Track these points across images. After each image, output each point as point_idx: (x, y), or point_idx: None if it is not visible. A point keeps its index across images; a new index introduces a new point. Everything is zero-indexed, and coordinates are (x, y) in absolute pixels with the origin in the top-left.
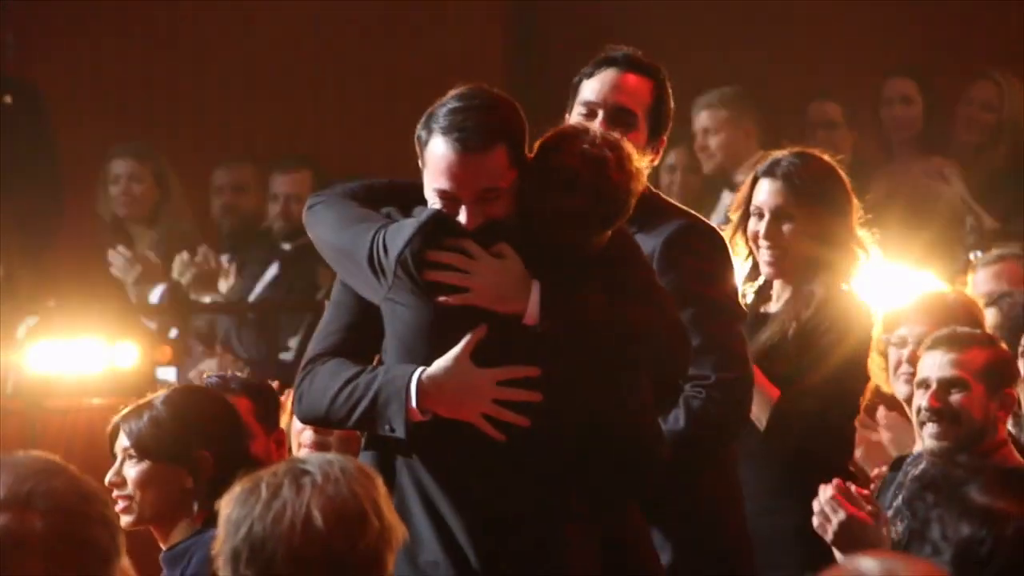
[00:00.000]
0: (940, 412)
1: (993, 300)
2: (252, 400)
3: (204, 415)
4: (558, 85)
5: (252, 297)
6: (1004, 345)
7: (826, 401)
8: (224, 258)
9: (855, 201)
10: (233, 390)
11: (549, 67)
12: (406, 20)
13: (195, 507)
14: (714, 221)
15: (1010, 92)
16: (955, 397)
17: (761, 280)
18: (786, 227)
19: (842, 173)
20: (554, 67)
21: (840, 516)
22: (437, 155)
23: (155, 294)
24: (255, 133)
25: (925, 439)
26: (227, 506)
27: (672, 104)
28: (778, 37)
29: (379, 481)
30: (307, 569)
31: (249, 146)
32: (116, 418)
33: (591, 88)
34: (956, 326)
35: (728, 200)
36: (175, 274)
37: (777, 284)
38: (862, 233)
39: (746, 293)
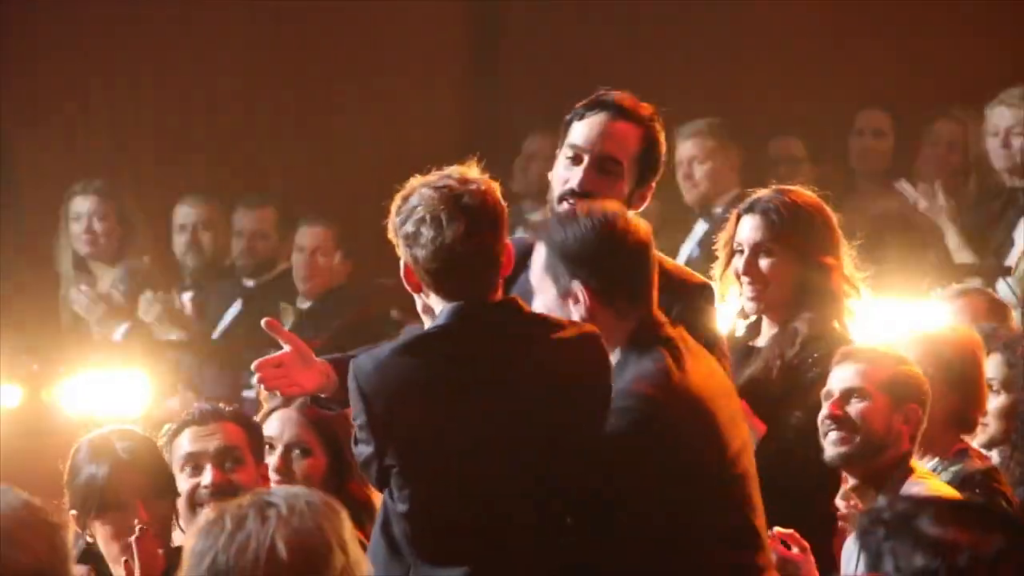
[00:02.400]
0: (840, 420)
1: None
2: (244, 429)
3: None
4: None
5: (216, 335)
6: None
7: (811, 439)
8: (187, 296)
9: (840, 237)
10: (225, 416)
11: (510, 101)
12: (372, 59)
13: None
14: (685, 251)
15: (974, 128)
16: (855, 406)
17: (752, 317)
18: (765, 262)
19: (827, 209)
20: (514, 98)
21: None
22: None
23: (119, 332)
24: (218, 170)
25: (826, 448)
26: (192, 537)
27: (663, 150)
28: (738, 71)
29: (344, 515)
30: None
31: (212, 183)
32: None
33: (579, 132)
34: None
35: (701, 230)
36: (140, 312)
37: (765, 320)
38: (851, 270)
39: (737, 327)
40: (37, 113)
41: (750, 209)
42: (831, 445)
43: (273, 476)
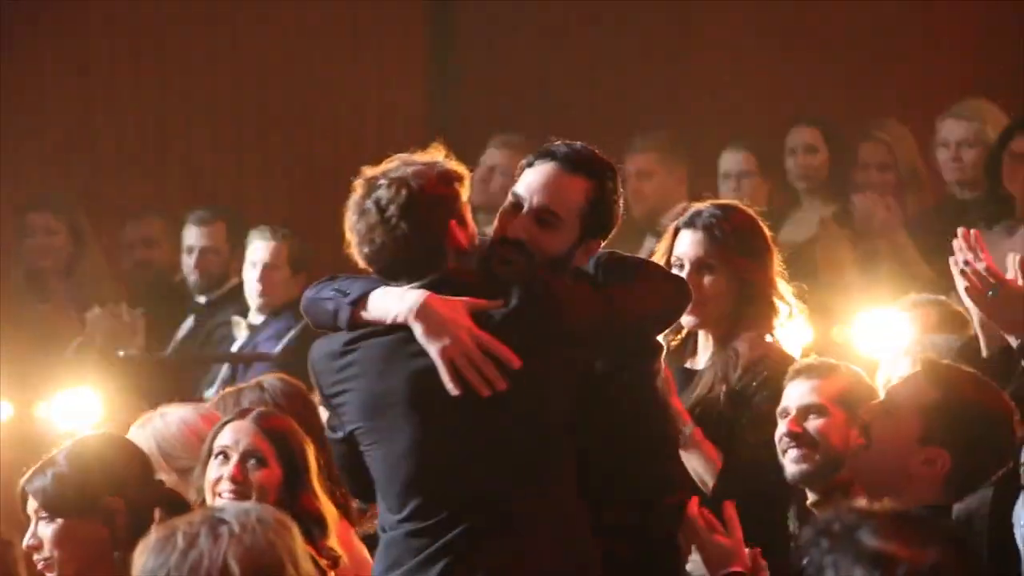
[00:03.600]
0: (799, 437)
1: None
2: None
3: (107, 461)
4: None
5: (168, 351)
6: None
7: (767, 462)
8: (137, 311)
9: (775, 252)
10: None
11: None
12: (325, 68)
13: (115, 556)
14: None
15: (901, 145)
16: (813, 423)
17: (683, 333)
18: (706, 279)
19: (762, 224)
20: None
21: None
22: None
23: (70, 348)
24: (168, 183)
25: (787, 466)
26: (141, 555)
27: (619, 205)
28: (691, 84)
29: (295, 531)
30: None
31: (162, 198)
32: (22, 481)
33: (524, 180)
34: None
35: (651, 245)
36: (88, 328)
37: (701, 336)
38: (782, 284)
39: (668, 344)
40: None
41: (690, 224)
42: (792, 463)
43: (228, 486)
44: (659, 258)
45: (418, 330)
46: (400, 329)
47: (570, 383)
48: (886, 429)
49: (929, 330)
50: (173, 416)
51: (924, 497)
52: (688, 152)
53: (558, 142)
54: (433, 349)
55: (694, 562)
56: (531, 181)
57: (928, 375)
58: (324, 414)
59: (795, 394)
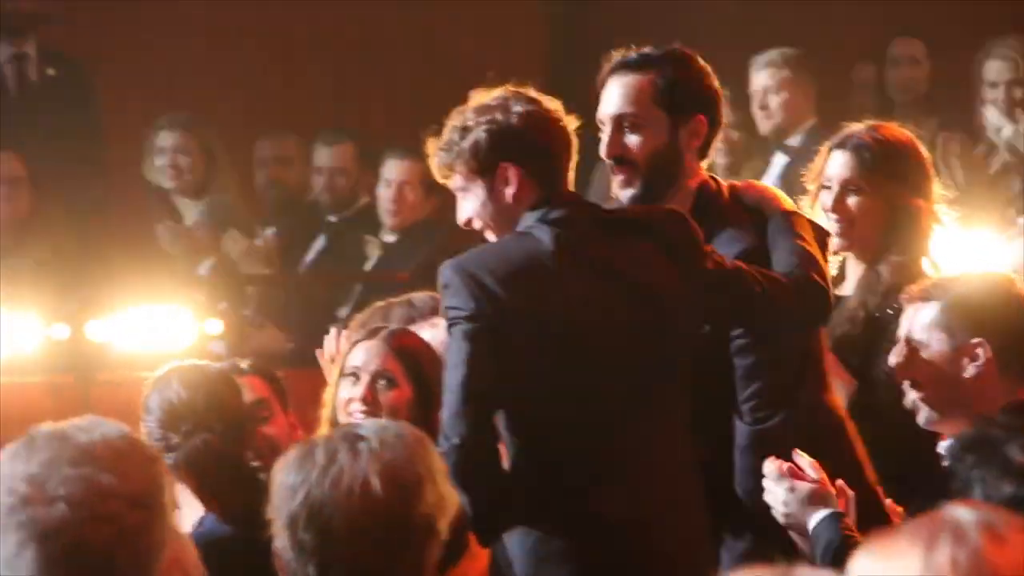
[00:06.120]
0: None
1: None
2: (266, 380)
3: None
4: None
5: (301, 269)
6: None
7: (900, 391)
8: (269, 231)
9: (932, 176)
10: (244, 371)
11: (591, 33)
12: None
13: None
14: (766, 184)
15: None
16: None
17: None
18: (853, 200)
19: (920, 147)
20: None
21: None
22: None
23: (203, 268)
24: (298, 105)
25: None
26: (281, 471)
27: (701, 80)
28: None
29: (433, 447)
30: (365, 534)
31: (292, 118)
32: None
33: (600, 104)
34: None
35: (781, 163)
36: (225, 248)
37: (850, 261)
38: (940, 208)
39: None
40: (118, 47)
41: (841, 145)
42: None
43: (359, 407)
44: (811, 179)
45: None
46: None
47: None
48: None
49: None
50: None
51: (995, 396)
52: (814, 68)
53: (609, 57)
54: None
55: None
56: (601, 103)
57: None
58: None
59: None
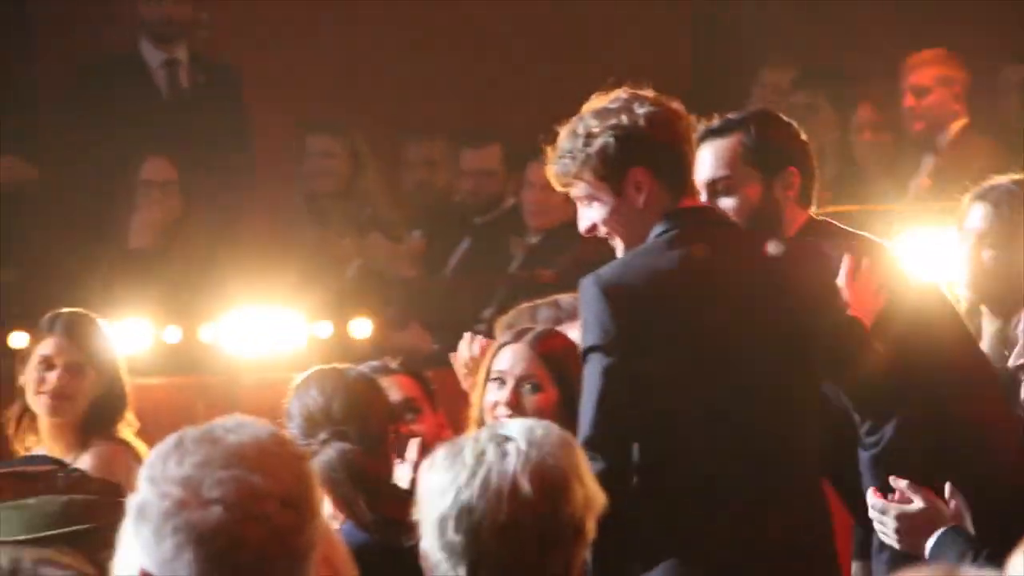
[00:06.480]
0: None
1: None
2: (416, 379)
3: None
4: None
5: (445, 271)
6: None
7: None
8: (416, 233)
9: None
10: (394, 371)
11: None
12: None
13: None
14: (914, 184)
15: None
16: None
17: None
18: (987, 253)
19: None
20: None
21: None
22: None
23: (350, 270)
24: (445, 107)
25: None
26: (429, 472)
27: (788, 134)
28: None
29: (579, 448)
30: (515, 535)
31: (439, 121)
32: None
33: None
34: None
35: (929, 163)
36: (369, 250)
37: (985, 314)
38: None
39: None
40: (265, 52)
41: (982, 197)
42: None
43: (504, 411)
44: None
45: None
46: None
47: None
48: None
49: None
50: None
51: None
52: (968, 65)
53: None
54: None
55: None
56: (698, 170)
57: None
58: None
59: None
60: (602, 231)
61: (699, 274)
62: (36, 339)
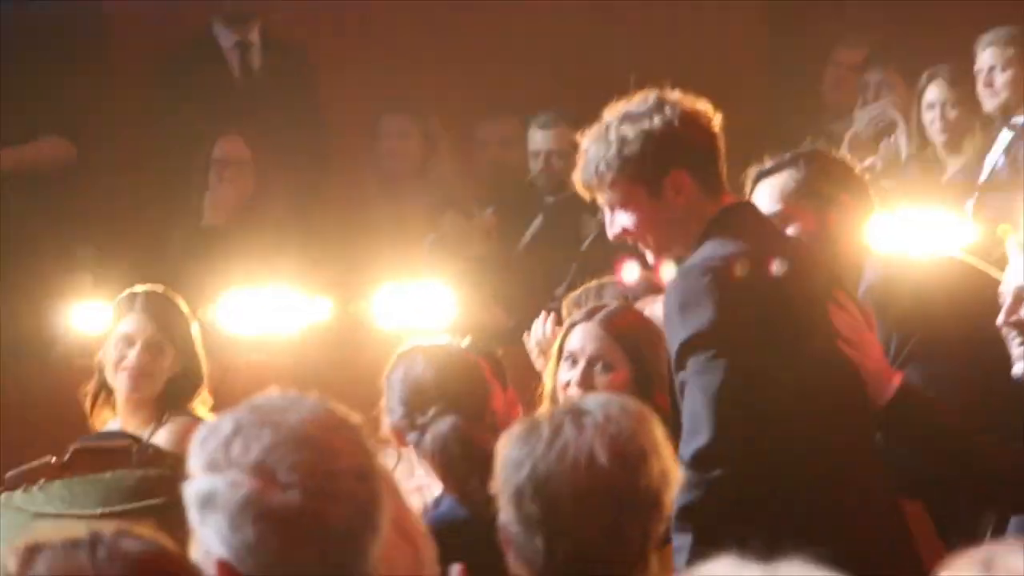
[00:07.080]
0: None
1: None
2: (487, 360)
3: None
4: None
5: (519, 248)
6: None
7: None
8: (488, 211)
9: None
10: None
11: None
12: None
13: None
14: (991, 161)
15: None
16: None
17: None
18: None
19: None
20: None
21: None
22: None
23: (426, 241)
24: (518, 87)
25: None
26: (506, 446)
27: (837, 163)
28: None
29: (655, 421)
30: (591, 506)
31: (511, 100)
32: None
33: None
34: None
35: (1006, 139)
36: (444, 227)
37: None
38: None
39: None
40: (337, 33)
41: None
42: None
43: (576, 391)
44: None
45: None
46: None
47: None
48: None
49: None
50: None
51: None
52: None
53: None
54: None
55: None
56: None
57: None
58: None
59: None
60: (633, 236)
61: (797, 272)
62: (116, 316)
